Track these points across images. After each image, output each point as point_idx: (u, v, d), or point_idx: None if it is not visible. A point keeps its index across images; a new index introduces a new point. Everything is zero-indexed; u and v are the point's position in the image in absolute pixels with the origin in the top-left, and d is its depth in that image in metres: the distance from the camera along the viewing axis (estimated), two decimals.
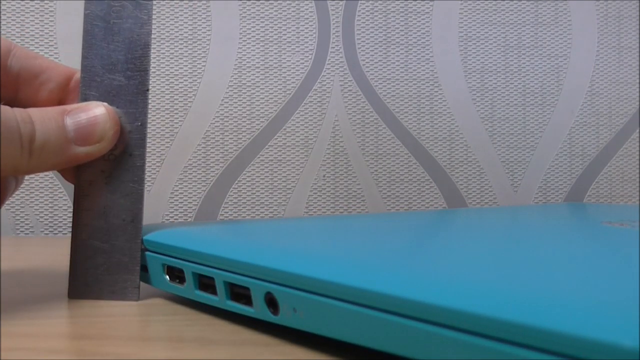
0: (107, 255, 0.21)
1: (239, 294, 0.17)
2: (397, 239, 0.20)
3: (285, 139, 0.45)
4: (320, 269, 0.15)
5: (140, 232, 0.21)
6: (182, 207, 0.44)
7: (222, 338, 0.17)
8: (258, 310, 0.17)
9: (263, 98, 0.45)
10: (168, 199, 0.44)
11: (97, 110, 0.20)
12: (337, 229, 0.24)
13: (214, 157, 0.44)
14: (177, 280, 0.20)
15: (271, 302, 0.16)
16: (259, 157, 0.45)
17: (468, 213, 0.32)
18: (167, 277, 0.20)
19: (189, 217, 0.44)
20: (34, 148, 0.19)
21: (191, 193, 0.44)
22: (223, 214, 0.44)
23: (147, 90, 0.21)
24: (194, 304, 0.20)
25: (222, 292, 0.18)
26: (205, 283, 0.19)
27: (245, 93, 0.45)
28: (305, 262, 0.16)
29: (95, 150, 0.20)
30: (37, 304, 0.21)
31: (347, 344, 0.14)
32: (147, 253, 0.21)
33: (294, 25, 0.45)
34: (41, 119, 0.19)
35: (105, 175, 0.21)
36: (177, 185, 0.44)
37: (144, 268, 0.21)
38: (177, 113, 0.44)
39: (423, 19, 0.46)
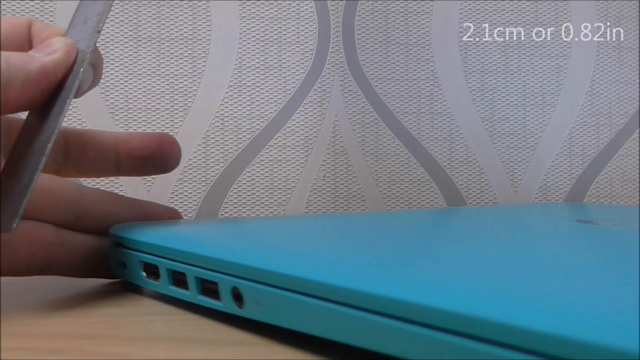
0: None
1: (209, 289, 0.18)
2: (362, 236, 0.21)
3: (285, 139, 0.45)
4: (278, 263, 0.16)
5: (39, 167, 0.20)
6: (182, 207, 0.44)
7: (223, 338, 0.17)
8: (225, 304, 0.17)
9: (263, 98, 0.45)
10: (168, 199, 0.44)
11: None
12: (308, 226, 0.24)
13: (214, 157, 0.44)
14: (153, 277, 0.21)
15: (237, 296, 0.17)
16: (259, 157, 0.45)
17: (447, 213, 0.32)
18: (144, 273, 0.21)
19: (189, 217, 0.44)
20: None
21: (191, 193, 0.44)
22: (223, 214, 0.44)
23: (99, 31, 0.22)
24: (194, 305, 0.20)
25: (194, 288, 0.19)
26: (179, 279, 0.20)
27: (245, 93, 0.45)
28: (264, 256, 0.16)
29: (59, 58, 0.20)
30: (37, 304, 0.21)
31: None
32: (125, 250, 0.21)
33: (294, 25, 0.45)
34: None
35: (41, 112, 0.21)
36: (177, 185, 0.44)
37: (123, 265, 0.22)
38: (177, 113, 0.44)
39: (423, 19, 0.46)
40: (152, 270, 0.21)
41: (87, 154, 0.25)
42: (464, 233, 0.23)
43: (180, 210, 0.44)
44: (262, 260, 0.16)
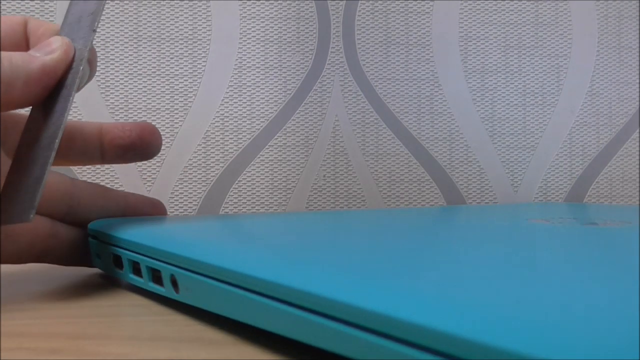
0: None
1: (157, 276, 0.21)
2: (303, 233, 0.23)
3: (285, 139, 0.45)
4: (201, 253, 0.18)
5: (50, 160, 0.21)
6: (182, 207, 0.44)
7: (222, 338, 0.17)
8: (167, 289, 0.20)
9: (263, 98, 0.45)
10: (168, 199, 0.44)
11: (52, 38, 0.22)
12: (265, 222, 0.27)
13: (214, 157, 0.44)
14: (119, 267, 0.23)
15: (174, 283, 0.19)
16: (259, 157, 0.45)
17: (425, 212, 0.33)
18: (113, 263, 0.23)
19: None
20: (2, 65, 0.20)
21: (191, 193, 0.44)
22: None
23: (95, 30, 0.22)
24: (193, 306, 0.20)
25: (146, 276, 0.21)
26: (137, 268, 0.22)
27: (245, 93, 0.45)
28: (193, 247, 0.19)
29: (58, 57, 0.21)
30: (37, 303, 0.21)
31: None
32: (99, 243, 0.24)
33: (294, 25, 0.45)
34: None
35: (44, 109, 0.22)
36: (177, 185, 0.44)
37: (98, 256, 0.24)
38: (177, 113, 0.44)
39: (423, 19, 0.46)
40: (119, 261, 0.23)
41: (74, 145, 0.26)
42: (426, 232, 0.23)
43: (180, 210, 0.44)
44: (190, 250, 0.18)
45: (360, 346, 0.12)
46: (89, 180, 0.43)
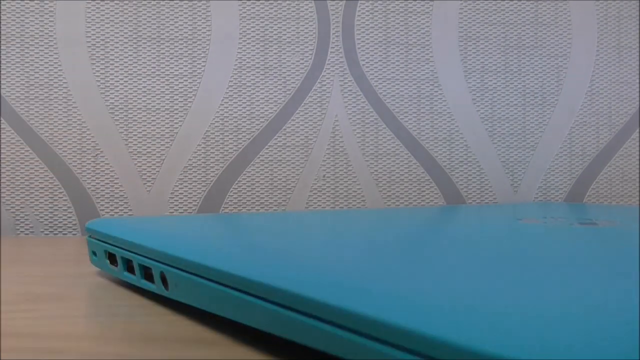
0: None
1: (149, 274, 0.21)
2: (274, 232, 0.24)
3: (285, 139, 0.45)
4: (187, 251, 0.19)
5: None
6: (182, 207, 0.44)
7: (222, 338, 0.17)
8: (157, 286, 0.20)
9: (263, 98, 0.45)
10: (168, 199, 0.44)
11: None
12: (237, 222, 0.27)
13: (214, 157, 0.44)
14: (114, 264, 0.24)
15: (164, 280, 0.20)
16: (259, 157, 0.45)
17: (376, 213, 0.33)
18: (108, 261, 0.24)
19: None
20: None
21: (191, 193, 0.44)
22: None
23: None
24: (192, 307, 0.20)
25: (138, 273, 0.22)
26: (130, 266, 0.23)
27: (245, 93, 0.45)
28: (180, 245, 0.19)
29: None
30: (37, 303, 0.21)
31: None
32: (95, 241, 0.25)
33: (294, 25, 0.45)
34: None
35: None
36: (177, 186, 0.44)
37: (95, 253, 0.25)
38: (177, 113, 0.44)
39: (423, 19, 0.46)
40: (114, 259, 0.24)
41: None
42: (404, 232, 0.23)
43: (180, 211, 0.44)
44: (178, 248, 0.19)
45: (347, 346, 0.12)
46: (88, 181, 0.43)
